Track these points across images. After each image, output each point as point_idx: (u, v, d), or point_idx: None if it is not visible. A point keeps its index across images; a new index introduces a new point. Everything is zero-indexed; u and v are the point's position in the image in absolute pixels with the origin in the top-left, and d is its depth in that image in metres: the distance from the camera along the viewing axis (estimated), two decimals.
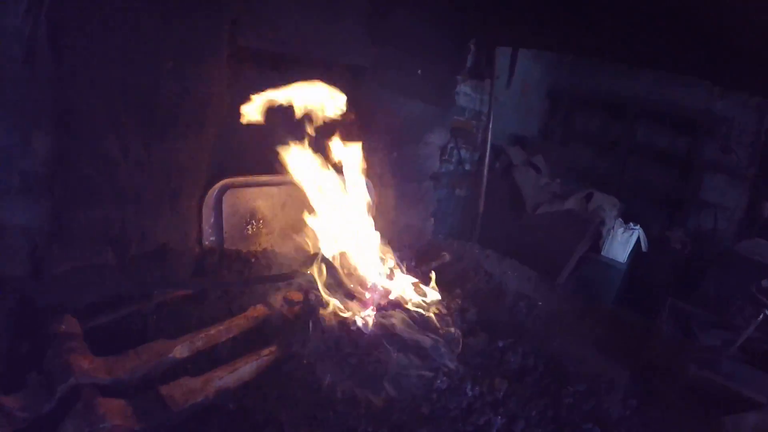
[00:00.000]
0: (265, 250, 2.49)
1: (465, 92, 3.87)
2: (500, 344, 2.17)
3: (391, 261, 2.31)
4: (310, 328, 1.88)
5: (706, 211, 4.76)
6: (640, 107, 5.05)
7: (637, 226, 4.30)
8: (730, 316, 2.71)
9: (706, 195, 4.76)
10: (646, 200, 5.00)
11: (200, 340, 1.71)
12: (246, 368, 1.63)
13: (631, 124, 5.19)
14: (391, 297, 2.10)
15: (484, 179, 4.08)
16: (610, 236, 4.22)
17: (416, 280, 2.28)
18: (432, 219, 3.59)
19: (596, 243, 4.22)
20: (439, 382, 1.83)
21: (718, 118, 4.61)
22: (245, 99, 2.15)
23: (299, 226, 2.55)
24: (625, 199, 4.68)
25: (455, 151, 3.95)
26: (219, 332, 1.77)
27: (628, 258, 4.24)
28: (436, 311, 2.09)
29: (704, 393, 2.17)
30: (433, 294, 2.22)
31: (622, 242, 4.24)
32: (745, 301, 2.61)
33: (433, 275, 2.31)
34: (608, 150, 5.36)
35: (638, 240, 4.30)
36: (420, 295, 2.20)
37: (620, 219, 4.35)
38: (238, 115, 2.14)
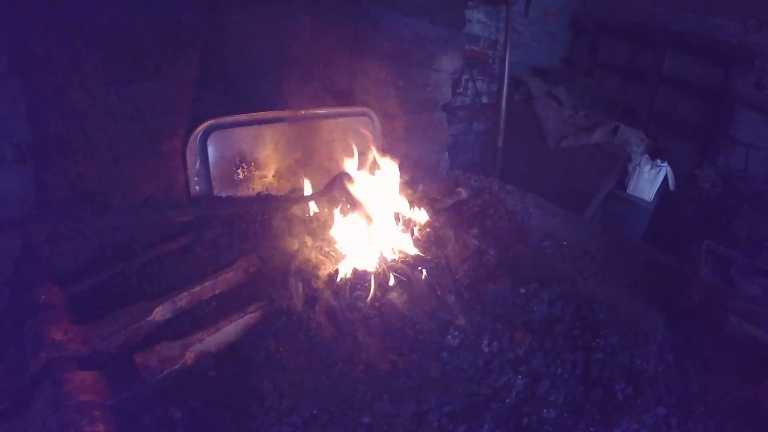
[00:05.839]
0: (259, 194, 2.27)
1: (479, 19, 3.55)
2: (522, 290, 1.96)
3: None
4: (302, 280, 1.67)
5: (737, 150, 4.39)
6: (670, 36, 4.59)
7: (665, 163, 3.99)
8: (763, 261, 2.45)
9: (738, 133, 4.36)
10: (674, 136, 4.64)
11: (183, 299, 1.53)
12: (230, 328, 1.44)
13: (660, 54, 4.72)
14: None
15: (503, 112, 3.80)
16: (637, 173, 3.94)
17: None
18: (446, 153, 3.30)
19: (622, 180, 3.95)
20: (450, 338, 1.63)
21: (753, 52, 4.14)
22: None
23: (296, 167, 2.32)
24: (653, 133, 4.35)
25: (471, 83, 3.65)
26: (204, 289, 1.58)
27: (654, 197, 3.97)
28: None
29: (744, 347, 1.96)
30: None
31: (649, 180, 3.96)
32: None
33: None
34: (635, 82, 4.93)
35: (666, 178, 4.01)
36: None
37: (647, 155, 4.03)
38: (222, 47, 1.87)
